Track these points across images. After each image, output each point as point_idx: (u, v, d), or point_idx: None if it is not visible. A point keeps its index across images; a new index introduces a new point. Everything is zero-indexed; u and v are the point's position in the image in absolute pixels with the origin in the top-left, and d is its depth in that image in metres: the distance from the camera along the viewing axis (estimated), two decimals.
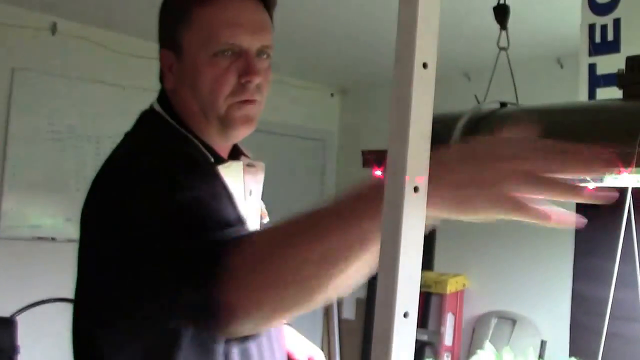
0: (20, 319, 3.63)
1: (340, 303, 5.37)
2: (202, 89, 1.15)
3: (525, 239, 4.25)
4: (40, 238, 3.95)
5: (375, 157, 1.57)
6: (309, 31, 4.10)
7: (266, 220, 1.35)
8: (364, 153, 1.57)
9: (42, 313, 3.41)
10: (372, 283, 1.35)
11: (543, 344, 3.97)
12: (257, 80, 1.17)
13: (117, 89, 4.16)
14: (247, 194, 1.24)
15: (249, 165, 1.27)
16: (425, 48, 0.85)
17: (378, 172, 1.52)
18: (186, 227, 0.90)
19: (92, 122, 4.04)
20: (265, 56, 1.21)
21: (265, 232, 1.02)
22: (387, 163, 0.89)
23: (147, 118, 1.22)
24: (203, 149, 1.18)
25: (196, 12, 1.15)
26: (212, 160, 1.17)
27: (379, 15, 3.61)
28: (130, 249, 0.93)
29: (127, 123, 1.28)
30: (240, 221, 0.98)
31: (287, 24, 3.95)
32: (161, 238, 0.90)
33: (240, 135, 1.23)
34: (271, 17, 1.25)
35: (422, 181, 0.85)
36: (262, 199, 1.33)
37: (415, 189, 0.84)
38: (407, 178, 0.83)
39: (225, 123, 1.18)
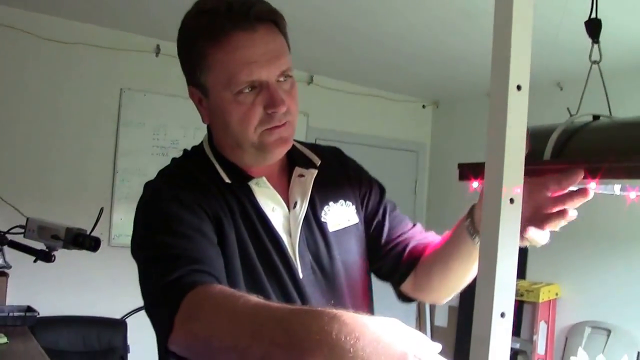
0: (129, 321, 3.91)
1: (432, 310, 5.40)
2: (232, 125, 1.20)
3: (620, 247, 4.17)
4: None
5: (471, 170, 1.61)
6: (400, 47, 4.17)
7: (349, 224, 1.37)
8: (460, 166, 1.61)
9: None
10: (464, 291, 1.39)
11: (639, 355, 3.90)
12: (282, 109, 1.18)
13: None
14: (291, 205, 1.29)
15: (300, 175, 1.32)
16: (519, 72, 0.93)
17: (475, 184, 1.56)
18: (160, 264, 1.09)
19: (194, 135, 4.25)
20: (285, 78, 1.21)
21: (214, 300, 0.99)
22: (485, 178, 0.97)
23: (193, 147, 1.37)
24: (222, 173, 1.26)
25: (211, 55, 1.17)
26: (229, 181, 1.25)
27: (470, 31, 3.65)
28: (138, 264, 1.18)
29: None
30: (197, 260, 1.08)
31: (378, 41, 4.05)
32: (145, 267, 1.14)
33: (276, 156, 1.26)
34: (285, 35, 1.25)
35: (517, 193, 0.93)
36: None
37: (511, 201, 0.92)
38: (504, 190, 0.92)
39: (261, 148, 1.22)
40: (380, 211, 1.44)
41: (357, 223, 1.39)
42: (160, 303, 1.05)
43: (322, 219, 1.33)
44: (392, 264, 1.41)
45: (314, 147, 1.43)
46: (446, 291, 1.40)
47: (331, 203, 1.35)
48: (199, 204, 1.19)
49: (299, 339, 0.78)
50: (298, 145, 1.39)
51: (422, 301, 1.53)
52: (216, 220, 1.20)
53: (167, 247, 1.11)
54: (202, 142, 1.35)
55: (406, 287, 1.42)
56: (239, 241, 1.22)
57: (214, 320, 0.93)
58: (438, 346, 0.81)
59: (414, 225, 1.48)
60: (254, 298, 0.92)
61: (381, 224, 1.43)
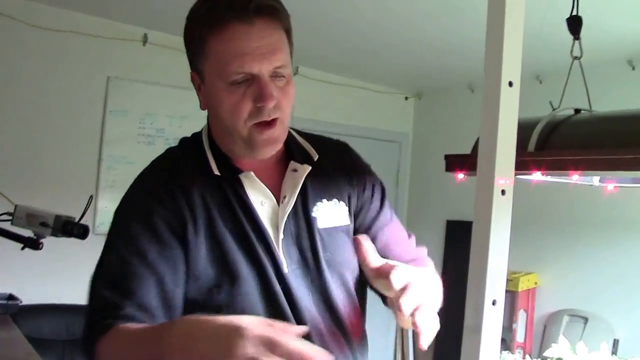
0: None
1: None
2: (223, 114, 1.21)
3: (597, 238, 4.24)
4: None
5: (457, 161, 1.63)
6: (384, 39, 4.19)
7: (340, 224, 1.36)
8: (447, 157, 1.64)
9: None
10: (444, 293, 1.38)
11: (616, 342, 3.96)
12: (270, 104, 1.19)
13: None
14: (281, 199, 1.29)
15: (294, 170, 1.32)
16: (511, 69, 0.98)
17: (461, 175, 1.59)
18: (103, 279, 1.19)
19: (179, 125, 4.27)
20: (280, 76, 1.22)
21: (120, 337, 1.09)
22: (477, 170, 1.01)
23: (192, 135, 1.39)
24: (213, 165, 1.28)
25: (209, 43, 1.19)
26: (218, 173, 1.27)
27: (453, 24, 3.69)
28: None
29: None
30: (124, 294, 1.15)
31: (362, 32, 4.08)
32: (100, 259, 1.23)
33: (264, 155, 1.27)
34: (288, 30, 1.26)
35: (508, 184, 0.97)
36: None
37: (502, 192, 0.97)
38: (496, 182, 0.96)
39: (249, 144, 1.23)
40: (378, 222, 1.42)
41: (348, 225, 1.37)
42: (88, 315, 1.16)
43: (313, 214, 1.32)
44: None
45: (319, 140, 1.42)
46: None
47: (324, 200, 1.35)
48: (168, 219, 1.21)
49: (164, 345, 0.95)
50: (299, 138, 1.39)
51: None
52: (193, 220, 1.22)
53: (114, 266, 1.18)
54: (202, 130, 1.36)
55: None
56: (219, 234, 1.23)
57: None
58: (300, 329, 0.92)
59: (409, 235, 1.46)
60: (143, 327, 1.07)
61: (378, 236, 1.40)
